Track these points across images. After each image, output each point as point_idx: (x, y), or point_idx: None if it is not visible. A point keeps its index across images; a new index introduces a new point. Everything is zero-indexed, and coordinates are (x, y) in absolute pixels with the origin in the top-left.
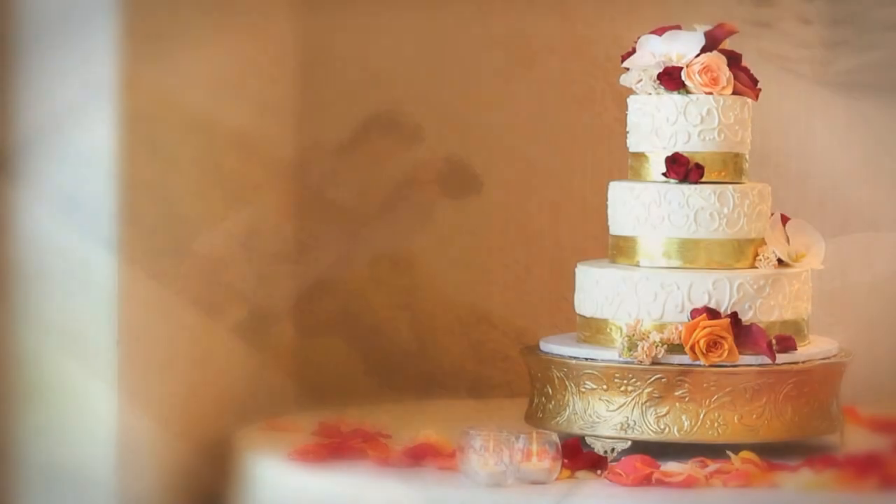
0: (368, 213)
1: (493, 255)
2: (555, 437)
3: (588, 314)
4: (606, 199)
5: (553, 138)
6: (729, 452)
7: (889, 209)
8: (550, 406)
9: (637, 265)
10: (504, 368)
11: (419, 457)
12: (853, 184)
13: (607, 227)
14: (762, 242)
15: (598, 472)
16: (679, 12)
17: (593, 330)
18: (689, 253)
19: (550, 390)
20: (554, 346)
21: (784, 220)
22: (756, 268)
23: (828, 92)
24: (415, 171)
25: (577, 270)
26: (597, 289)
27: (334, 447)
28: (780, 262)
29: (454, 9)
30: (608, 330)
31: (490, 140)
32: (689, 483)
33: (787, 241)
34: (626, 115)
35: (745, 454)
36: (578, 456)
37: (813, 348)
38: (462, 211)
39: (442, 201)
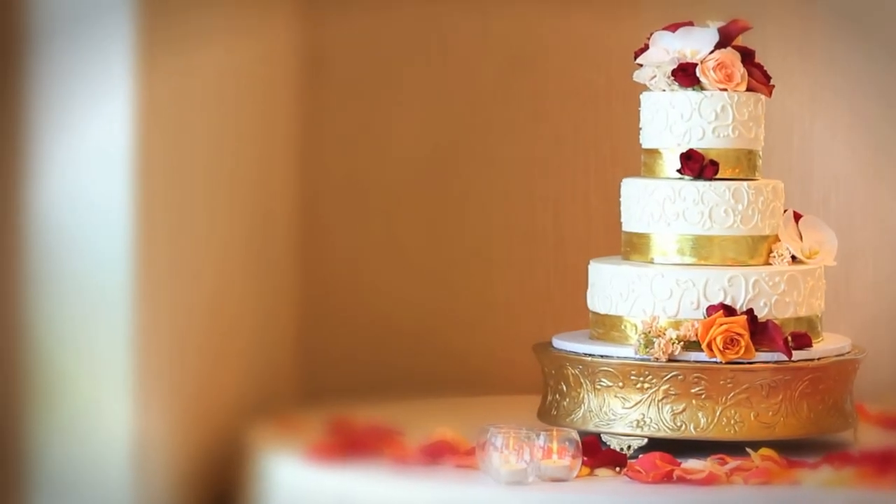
0: (373, 208)
1: (495, 252)
2: (575, 435)
3: (602, 311)
4: (609, 197)
5: (555, 136)
6: (748, 450)
7: (892, 207)
8: (565, 403)
9: (651, 262)
10: (508, 365)
11: (436, 455)
12: (857, 182)
13: (609, 225)
14: (776, 239)
15: (618, 469)
16: (683, 10)
17: (607, 327)
18: (704, 250)
19: (565, 387)
20: (568, 344)
21: (796, 217)
22: (770, 264)
23: (830, 90)
24: (417, 166)
25: (590, 267)
26: (611, 286)
27: (350, 445)
28: (793, 258)
29: (455, 7)
30: (623, 327)
31: (492, 138)
32: (710, 480)
33: (800, 237)
34: (639, 111)
35: (764, 451)
36: (598, 453)
37: (827, 345)
38: (465, 208)
39: (445, 198)
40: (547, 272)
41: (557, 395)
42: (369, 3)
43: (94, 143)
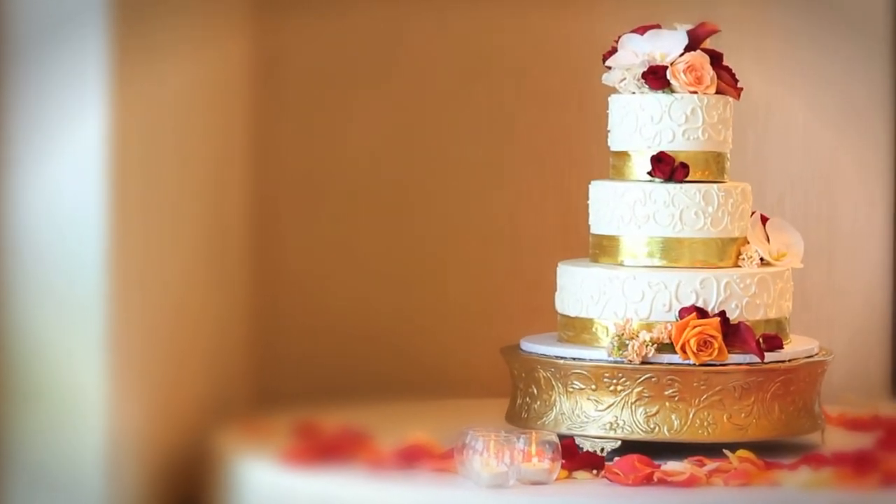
0: (330, 212)
1: (452, 254)
2: (554, 438)
3: (572, 314)
4: (565, 199)
5: (511, 137)
6: (726, 451)
7: (846, 209)
8: (536, 406)
9: (621, 264)
10: (468, 368)
11: (412, 458)
12: (811, 184)
13: (566, 227)
14: (745, 241)
15: (595, 472)
16: (637, 11)
17: (577, 329)
18: (673, 252)
19: (536, 390)
20: (539, 346)
21: (763, 219)
22: (739, 266)
23: (785, 92)
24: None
25: (559, 270)
26: (581, 288)
27: (324, 449)
28: (761, 260)
29: (411, 9)
30: (593, 329)
31: (448, 140)
32: (691, 482)
33: (768, 240)
34: (599, 112)
35: (742, 453)
36: (575, 456)
37: (796, 347)
38: (422, 210)
39: (402, 200)
40: (503, 274)
41: (528, 398)
42: (325, 7)
43: (68, 154)
